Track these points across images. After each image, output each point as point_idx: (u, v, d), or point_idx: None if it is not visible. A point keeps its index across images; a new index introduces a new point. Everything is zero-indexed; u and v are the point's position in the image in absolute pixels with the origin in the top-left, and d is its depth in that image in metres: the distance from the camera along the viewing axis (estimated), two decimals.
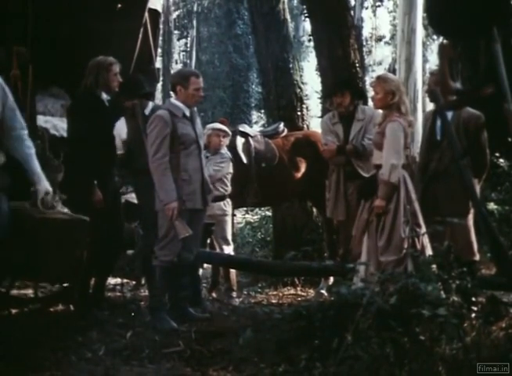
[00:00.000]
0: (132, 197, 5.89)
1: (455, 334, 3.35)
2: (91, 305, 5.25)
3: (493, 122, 5.29)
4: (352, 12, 14.33)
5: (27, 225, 4.21)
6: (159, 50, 13.07)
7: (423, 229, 4.78)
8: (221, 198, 6.22)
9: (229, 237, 6.42)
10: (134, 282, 6.59)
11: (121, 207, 5.58)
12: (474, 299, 3.65)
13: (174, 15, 25.34)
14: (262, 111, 19.06)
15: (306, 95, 8.81)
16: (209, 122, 6.53)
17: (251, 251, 9.58)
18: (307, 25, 19.53)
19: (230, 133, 6.45)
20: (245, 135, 6.78)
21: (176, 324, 5.02)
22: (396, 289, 3.45)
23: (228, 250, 6.34)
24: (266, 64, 8.30)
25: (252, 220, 11.56)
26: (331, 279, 6.36)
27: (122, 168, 5.70)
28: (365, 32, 23.97)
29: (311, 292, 6.75)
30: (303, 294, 6.79)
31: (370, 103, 6.24)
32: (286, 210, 7.86)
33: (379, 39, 24.41)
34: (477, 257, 5.43)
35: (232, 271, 6.51)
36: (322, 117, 7.61)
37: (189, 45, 26.80)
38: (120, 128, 5.71)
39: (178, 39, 26.83)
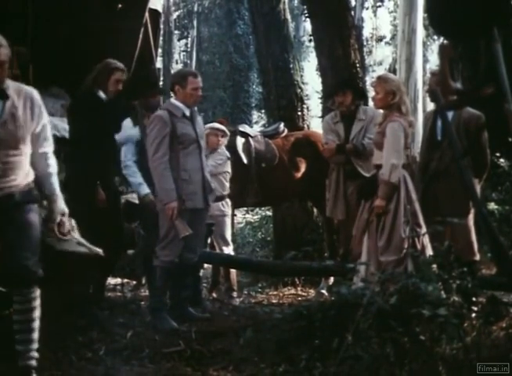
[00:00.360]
0: (133, 197, 5.89)
1: (455, 334, 3.35)
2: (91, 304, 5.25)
3: (493, 122, 5.29)
4: (353, 13, 14.38)
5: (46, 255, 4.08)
6: (159, 50, 13.08)
7: (424, 229, 4.78)
8: (220, 198, 6.22)
9: (229, 237, 6.42)
10: (134, 282, 6.60)
11: (121, 207, 5.58)
12: (474, 299, 3.65)
13: (175, 15, 25.34)
14: (263, 111, 19.07)
15: (306, 95, 8.82)
16: (209, 122, 6.53)
17: (252, 251, 9.60)
18: (307, 25, 19.54)
19: (228, 133, 6.45)
20: (245, 135, 6.78)
21: (176, 324, 5.02)
22: (396, 289, 3.45)
23: (228, 250, 6.35)
24: (267, 64, 8.31)
25: (252, 220, 11.57)
26: (331, 279, 6.36)
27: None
28: (366, 32, 24.00)
29: (312, 292, 6.75)
30: (303, 294, 6.79)
31: (371, 103, 6.25)
32: (286, 210, 7.87)
33: (379, 39, 24.41)
34: (478, 257, 5.43)
35: (233, 271, 6.51)
36: (322, 117, 7.63)
37: (189, 45, 26.79)
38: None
39: (179, 39, 26.82)
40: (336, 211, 6.11)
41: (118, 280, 6.54)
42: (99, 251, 4.60)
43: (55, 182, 3.87)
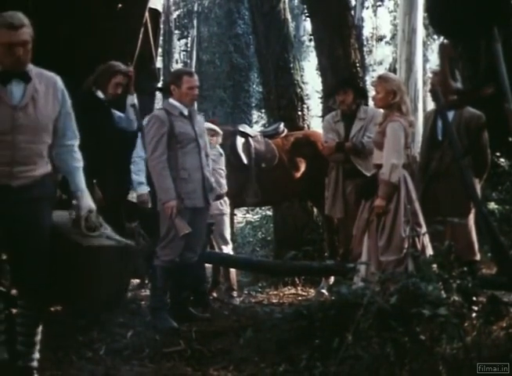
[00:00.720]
0: (133, 197, 5.89)
1: (455, 334, 3.35)
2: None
3: (494, 122, 5.29)
4: (353, 12, 14.37)
5: (72, 253, 3.94)
6: (159, 50, 13.07)
7: (424, 229, 4.78)
8: (218, 197, 6.21)
9: (228, 237, 6.41)
10: (137, 280, 6.58)
11: (122, 206, 5.59)
12: (474, 299, 3.64)
13: (175, 14, 25.33)
14: (263, 111, 19.06)
15: (307, 95, 8.82)
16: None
17: (252, 251, 9.60)
18: (307, 25, 19.55)
19: (220, 132, 6.43)
20: (245, 135, 6.78)
21: (177, 324, 5.02)
22: (396, 289, 3.45)
23: (227, 249, 6.34)
24: (267, 64, 8.31)
25: (253, 220, 11.57)
26: (332, 278, 6.36)
27: None
28: (366, 32, 23.98)
29: (312, 292, 6.75)
30: (303, 293, 6.79)
31: (371, 102, 6.25)
32: (286, 210, 7.87)
33: (379, 39, 24.40)
34: (478, 257, 5.43)
35: (232, 270, 6.51)
36: (322, 116, 7.63)
37: (189, 45, 26.78)
38: None
39: (179, 39, 26.81)
40: (334, 209, 6.13)
41: None
42: (129, 242, 4.57)
43: (81, 177, 3.70)
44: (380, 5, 23.62)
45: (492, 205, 6.97)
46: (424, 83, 16.40)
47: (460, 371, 3.27)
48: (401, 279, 3.54)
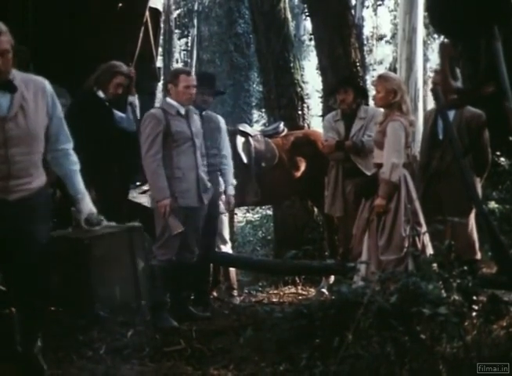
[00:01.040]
0: (133, 197, 5.89)
1: (455, 333, 3.35)
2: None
3: (494, 121, 5.29)
4: (353, 11, 14.38)
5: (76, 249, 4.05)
6: (160, 49, 13.07)
7: (424, 228, 4.78)
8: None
9: (227, 236, 6.40)
10: None
11: (123, 206, 5.59)
12: (474, 298, 3.65)
13: (175, 14, 25.32)
14: (263, 110, 19.04)
15: (307, 95, 8.82)
16: None
17: (252, 250, 9.60)
18: (308, 24, 19.56)
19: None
20: (245, 134, 6.78)
21: (177, 323, 5.02)
22: (397, 288, 3.45)
23: (226, 248, 6.33)
24: (267, 63, 8.30)
25: (253, 219, 11.58)
26: (332, 278, 6.37)
27: None
28: (366, 31, 23.97)
29: (312, 291, 6.75)
30: (304, 293, 6.79)
31: (371, 102, 6.25)
32: (287, 209, 7.87)
33: (380, 38, 24.40)
34: (479, 256, 5.44)
35: (232, 270, 6.51)
36: (323, 116, 7.63)
37: (189, 44, 26.78)
38: None
39: (179, 38, 26.81)
40: (334, 208, 6.14)
41: None
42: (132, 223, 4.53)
43: (79, 180, 3.61)
44: (380, 5, 23.62)
45: (493, 204, 6.97)
46: (424, 82, 16.39)
47: (460, 370, 3.27)
48: (401, 278, 3.54)
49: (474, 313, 3.62)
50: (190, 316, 5.28)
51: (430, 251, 4.67)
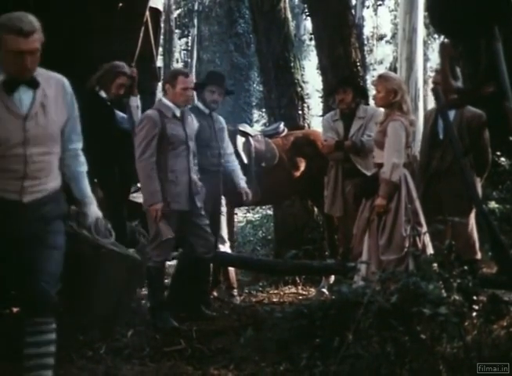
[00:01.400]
0: (133, 197, 5.89)
1: (456, 333, 3.35)
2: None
3: (494, 121, 5.29)
4: (353, 11, 14.38)
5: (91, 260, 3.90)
6: (160, 49, 13.06)
7: (425, 228, 4.78)
8: None
9: (225, 235, 6.39)
10: None
11: (124, 206, 5.59)
12: (474, 298, 3.65)
13: (176, 13, 25.30)
14: (263, 110, 19.08)
15: (307, 94, 8.81)
16: None
17: (252, 250, 9.58)
18: (308, 24, 19.57)
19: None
20: (245, 134, 6.78)
21: (177, 323, 5.02)
22: (397, 288, 3.45)
23: (225, 248, 6.32)
24: (267, 63, 8.29)
25: (253, 219, 11.57)
26: (332, 278, 6.37)
27: None
28: (367, 31, 24.01)
29: (312, 291, 6.74)
30: (304, 292, 6.78)
31: (371, 102, 6.25)
32: (287, 209, 7.86)
33: (380, 38, 24.42)
34: (479, 256, 5.44)
35: (232, 269, 6.51)
36: (323, 115, 7.62)
37: (190, 44, 26.78)
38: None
39: (179, 38, 26.81)
40: (334, 208, 6.15)
41: None
42: (135, 255, 4.47)
43: (86, 183, 3.49)
44: (380, 4, 23.64)
45: (493, 204, 6.97)
46: (425, 82, 16.40)
47: (460, 370, 3.27)
48: (401, 278, 3.54)
49: (474, 313, 3.62)
50: (200, 314, 5.28)
51: (430, 250, 4.67)
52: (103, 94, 5.43)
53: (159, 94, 9.01)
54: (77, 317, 4.31)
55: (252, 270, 7.26)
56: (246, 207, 11.43)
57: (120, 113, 5.62)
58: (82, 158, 3.49)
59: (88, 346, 4.40)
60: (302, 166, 6.79)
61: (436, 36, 18.87)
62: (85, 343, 4.46)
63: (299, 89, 8.28)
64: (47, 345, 3.25)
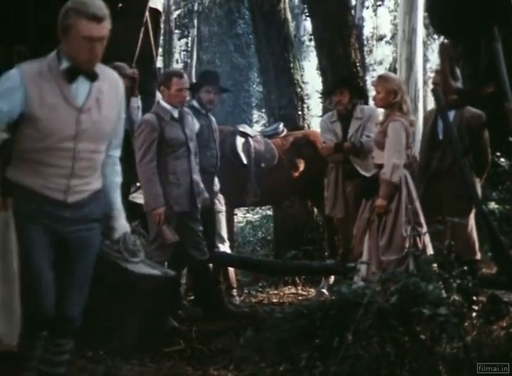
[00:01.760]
0: (133, 197, 5.88)
1: (455, 334, 3.35)
2: None
3: (494, 121, 5.30)
4: (353, 12, 14.39)
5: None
6: (160, 49, 13.07)
7: (425, 229, 4.78)
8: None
9: (224, 235, 6.38)
10: None
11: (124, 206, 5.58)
12: (474, 298, 3.65)
13: (175, 14, 25.31)
14: (263, 110, 19.06)
15: (307, 95, 8.81)
16: None
17: (252, 250, 9.58)
18: (308, 24, 19.55)
19: None
20: (245, 135, 6.78)
21: (177, 323, 5.02)
22: (397, 288, 3.45)
23: (224, 247, 6.32)
24: (267, 63, 8.30)
25: (253, 219, 11.57)
26: (332, 278, 6.37)
27: None
28: (366, 31, 23.98)
29: (312, 291, 6.74)
30: (304, 293, 6.78)
31: (371, 102, 6.25)
32: (286, 209, 7.86)
33: (380, 38, 24.40)
34: (479, 256, 5.44)
35: (231, 269, 6.50)
36: (322, 116, 7.63)
37: (189, 45, 26.77)
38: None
39: (179, 38, 26.80)
40: (335, 210, 6.15)
41: None
42: (173, 273, 4.36)
43: (118, 195, 3.27)
44: (380, 5, 23.61)
45: (492, 205, 6.96)
46: (424, 82, 16.40)
47: (460, 371, 3.27)
48: (401, 278, 3.54)
49: (474, 314, 3.62)
50: (226, 313, 5.36)
51: (430, 251, 4.67)
52: None
53: (159, 94, 9.01)
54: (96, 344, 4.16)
55: (252, 271, 7.25)
56: (246, 208, 11.42)
57: None
58: (119, 168, 3.30)
59: (87, 346, 4.39)
60: (301, 166, 6.80)
61: (436, 37, 18.88)
62: (85, 343, 4.44)
63: (299, 90, 8.28)
64: (61, 366, 3.23)
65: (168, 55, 24.31)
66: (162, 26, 12.18)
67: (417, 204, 4.89)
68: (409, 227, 4.71)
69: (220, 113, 20.39)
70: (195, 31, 26.13)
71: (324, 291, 6.33)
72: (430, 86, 5.68)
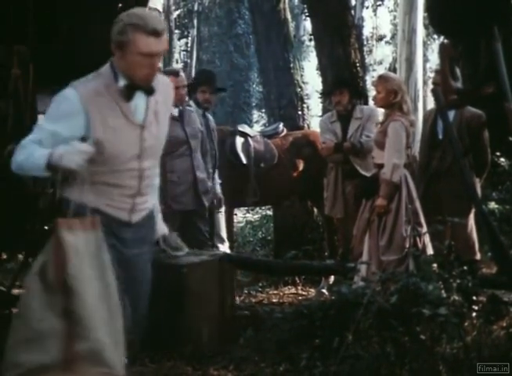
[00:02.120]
0: None
1: (455, 334, 3.35)
2: None
3: (494, 121, 5.30)
4: (353, 12, 14.39)
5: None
6: None
7: (425, 229, 4.78)
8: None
9: (224, 234, 6.38)
10: None
11: None
12: (474, 298, 3.65)
13: (175, 14, 25.29)
14: (263, 111, 19.07)
15: (307, 95, 8.83)
16: None
17: (252, 250, 9.57)
18: (307, 24, 19.53)
19: None
20: (244, 135, 6.78)
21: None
22: (397, 288, 3.45)
23: (223, 247, 6.31)
24: (267, 64, 8.31)
25: (253, 219, 11.55)
26: (332, 278, 6.36)
27: None
28: (366, 31, 23.97)
29: (312, 291, 6.74)
30: (304, 293, 6.78)
31: (371, 102, 6.25)
32: (286, 209, 7.86)
33: (379, 38, 24.40)
34: (478, 256, 5.44)
35: None
36: (322, 116, 7.63)
37: (189, 45, 26.77)
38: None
39: (179, 39, 26.79)
40: (334, 210, 6.15)
41: None
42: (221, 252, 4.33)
43: (156, 197, 3.09)
44: (380, 5, 23.61)
45: (492, 205, 6.96)
46: (424, 82, 16.40)
47: (460, 371, 3.27)
48: (401, 278, 3.54)
49: (474, 314, 3.62)
50: None
51: (430, 251, 4.67)
52: None
53: None
54: None
55: (252, 271, 7.25)
56: (246, 208, 11.42)
57: None
58: (158, 170, 3.11)
59: None
60: (301, 166, 6.80)
61: (435, 37, 18.88)
62: None
63: (298, 90, 8.29)
64: None
65: (168, 55, 24.32)
66: None
67: (417, 204, 4.89)
68: (409, 227, 4.71)
69: (220, 113, 20.42)
70: (195, 31, 26.13)
71: (324, 291, 6.33)
72: (430, 86, 5.68)
